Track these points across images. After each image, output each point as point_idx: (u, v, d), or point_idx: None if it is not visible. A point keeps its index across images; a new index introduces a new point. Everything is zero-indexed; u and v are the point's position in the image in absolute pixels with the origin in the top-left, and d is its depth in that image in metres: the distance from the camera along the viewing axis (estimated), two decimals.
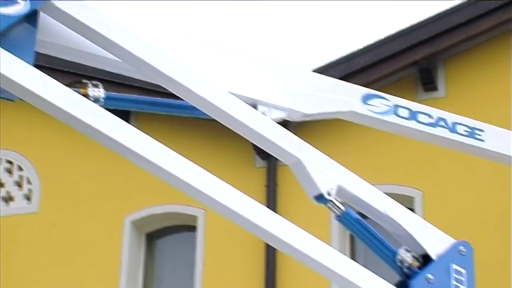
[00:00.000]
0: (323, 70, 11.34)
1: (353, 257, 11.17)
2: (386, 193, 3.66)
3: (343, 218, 3.47)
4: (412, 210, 11.79)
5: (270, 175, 12.17)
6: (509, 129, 4.32)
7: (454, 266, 3.62)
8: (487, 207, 11.27)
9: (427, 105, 4.05)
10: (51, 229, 12.68)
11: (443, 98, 11.91)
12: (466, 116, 4.10)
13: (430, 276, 3.55)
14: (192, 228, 12.61)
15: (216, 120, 3.29)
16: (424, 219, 11.53)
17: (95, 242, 12.56)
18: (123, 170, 12.21)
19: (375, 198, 3.57)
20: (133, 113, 11.41)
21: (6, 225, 12.70)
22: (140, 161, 2.99)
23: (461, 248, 3.66)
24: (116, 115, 2.92)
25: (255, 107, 3.40)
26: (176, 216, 12.75)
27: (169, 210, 12.73)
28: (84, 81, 3.14)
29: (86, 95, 3.07)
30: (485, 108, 11.40)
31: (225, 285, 12.02)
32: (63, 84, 2.92)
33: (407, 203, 11.26)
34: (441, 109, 3.98)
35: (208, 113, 3.28)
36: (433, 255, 3.60)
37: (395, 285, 3.57)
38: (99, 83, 3.15)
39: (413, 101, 3.97)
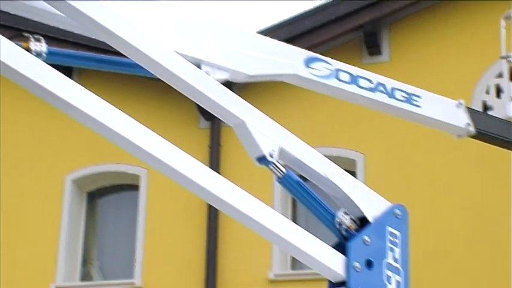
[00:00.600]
0: (268, 32, 11.33)
1: (294, 219, 11.27)
2: (328, 156, 3.70)
3: (284, 180, 3.50)
4: (354, 173, 12.05)
5: (213, 136, 12.19)
6: (450, 95, 4.39)
7: (390, 229, 3.69)
8: (428, 171, 11.44)
9: (371, 69, 4.10)
10: None
11: (387, 63, 12.01)
12: (408, 81, 4.17)
13: (366, 238, 3.62)
14: (135, 188, 12.58)
15: (160, 80, 3.27)
16: (366, 181, 11.73)
17: (35, 201, 12.47)
18: (64, 128, 12.11)
19: (316, 161, 3.61)
20: (76, 69, 11.27)
21: None
22: (82, 117, 2.96)
23: (397, 211, 3.73)
24: (58, 71, 2.89)
25: (198, 66, 3.39)
26: (118, 175, 12.71)
27: (111, 169, 12.68)
28: (27, 35, 3.10)
29: (28, 49, 3.03)
30: (428, 74, 11.54)
31: (167, 243, 12.05)
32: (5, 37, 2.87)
33: (350, 165, 11.39)
34: (385, 73, 4.04)
35: (152, 71, 3.26)
36: (370, 218, 3.67)
37: (333, 246, 3.60)
38: (41, 37, 3.11)
39: (357, 64, 4.01)
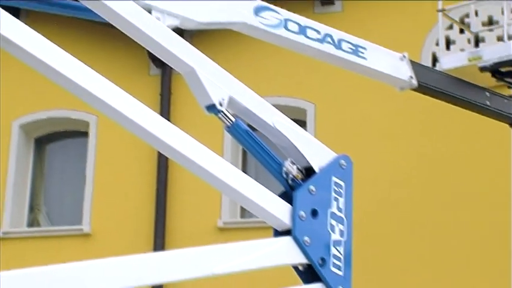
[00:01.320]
0: None
1: (244, 170, 11.30)
2: (279, 106, 3.72)
3: (233, 129, 3.53)
4: (304, 122, 12.05)
5: (164, 83, 12.11)
6: (401, 45, 4.43)
7: (335, 179, 3.77)
8: (378, 122, 11.53)
9: (323, 19, 4.12)
10: None
11: (340, 13, 12.01)
12: (360, 31, 4.20)
13: (312, 188, 3.68)
14: (84, 134, 12.50)
15: (110, 25, 3.24)
16: (316, 131, 11.81)
17: None
18: (11, 73, 11.93)
19: (264, 111, 3.63)
20: (24, 11, 11.08)
21: None
22: (29, 59, 2.91)
23: (342, 161, 3.79)
24: (6, 11, 2.83)
25: (149, 12, 3.37)
26: (67, 121, 12.60)
27: (60, 115, 12.56)
28: None
29: None
30: (379, 24, 11.56)
31: (116, 191, 12.02)
32: None
33: (300, 115, 11.43)
34: (337, 23, 4.06)
35: (103, 16, 3.23)
36: (316, 168, 3.73)
37: (279, 196, 3.64)
38: None
39: (310, 14, 4.03)
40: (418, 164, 11.25)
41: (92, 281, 3.37)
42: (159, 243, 11.48)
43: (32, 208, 12.62)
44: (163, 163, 11.67)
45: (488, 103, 5.17)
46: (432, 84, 4.86)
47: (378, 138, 11.48)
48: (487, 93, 5.18)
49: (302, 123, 11.30)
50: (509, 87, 5.52)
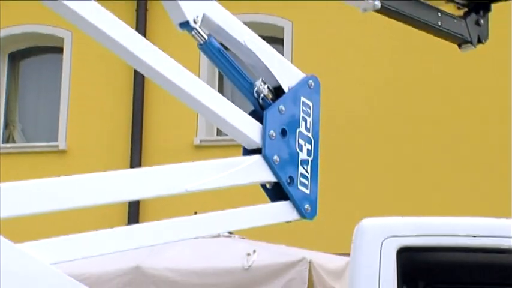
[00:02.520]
0: None
1: (221, 91, 11.28)
2: (256, 23, 3.73)
3: (206, 47, 3.53)
4: (281, 40, 11.97)
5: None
6: None
7: (303, 99, 3.82)
8: (354, 40, 11.51)
9: None
10: None
11: None
12: None
13: (282, 107, 3.73)
14: (59, 50, 12.39)
15: None
16: (293, 49, 11.75)
17: None
18: None
19: (236, 29, 3.64)
20: None
21: None
22: None
23: (311, 82, 3.84)
24: None
25: None
26: (41, 36, 12.48)
27: (34, 30, 12.43)
28: None
29: None
30: None
31: (92, 108, 12.00)
32: None
33: (277, 33, 11.37)
34: None
35: None
36: (285, 88, 3.77)
37: (249, 114, 3.70)
38: None
39: None
40: (393, 81, 11.30)
41: (67, 197, 3.39)
42: (136, 161, 11.53)
43: (7, 124, 12.58)
44: (139, 80, 11.63)
45: (439, 23, 5.18)
46: (392, 5, 4.86)
47: (354, 56, 11.48)
48: (439, 13, 5.19)
49: (279, 41, 11.26)
50: (458, 8, 5.51)
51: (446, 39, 5.27)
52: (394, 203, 10.56)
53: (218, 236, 7.73)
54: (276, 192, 3.90)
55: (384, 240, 5.04)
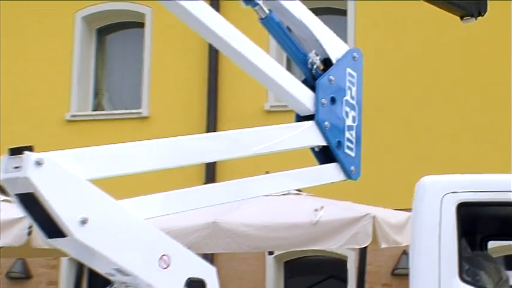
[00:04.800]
0: None
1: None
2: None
3: (266, 21, 3.68)
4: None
5: None
6: None
7: (349, 70, 3.96)
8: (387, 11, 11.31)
9: None
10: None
11: None
12: None
13: (331, 77, 3.89)
14: (141, 25, 12.47)
15: None
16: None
17: (47, 38, 12.37)
18: None
19: (293, 5, 3.80)
20: None
21: None
22: None
23: (355, 54, 3.98)
24: None
25: None
26: (125, 13, 12.57)
27: (118, 7, 12.53)
28: None
29: None
30: None
31: (171, 78, 12.08)
32: None
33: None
34: None
35: None
36: (333, 60, 3.91)
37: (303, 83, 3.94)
38: None
39: None
40: (422, 51, 11.09)
41: (151, 159, 3.59)
42: (211, 125, 11.57)
43: (96, 94, 12.75)
44: (213, 51, 11.63)
45: None
46: None
47: (385, 26, 11.29)
48: None
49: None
50: None
51: (448, 11, 5.21)
52: (453, 161, 10.40)
53: (288, 193, 7.74)
54: (324, 155, 4.06)
55: (444, 196, 4.99)
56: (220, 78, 11.86)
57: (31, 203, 3.21)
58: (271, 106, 11.55)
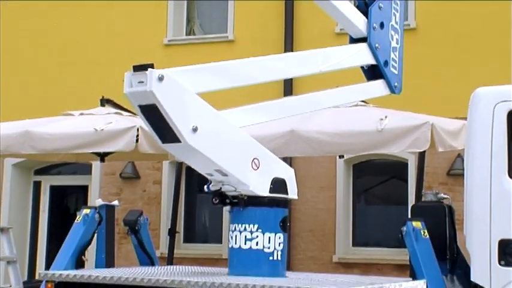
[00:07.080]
0: None
1: None
2: None
3: None
4: None
5: None
6: None
7: None
8: None
9: None
10: None
11: None
12: None
13: (381, 4, 4.02)
14: None
15: None
16: None
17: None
18: None
19: None
20: None
21: None
22: None
23: None
24: None
25: None
26: None
27: None
28: None
29: None
30: None
31: (253, 5, 11.98)
32: None
33: None
34: None
35: None
36: None
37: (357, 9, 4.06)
38: None
39: None
40: None
41: (243, 75, 3.73)
42: (288, 47, 11.52)
43: (189, 21, 12.79)
44: None
45: None
46: None
47: None
48: None
49: None
50: None
51: None
52: (505, 73, 10.09)
53: (356, 105, 7.69)
54: (371, 72, 4.19)
55: (496, 105, 4.89)
56: (296, 5, 11.73)
57: (151, 113, 3.31)
58: (340, 29, 11.37)
